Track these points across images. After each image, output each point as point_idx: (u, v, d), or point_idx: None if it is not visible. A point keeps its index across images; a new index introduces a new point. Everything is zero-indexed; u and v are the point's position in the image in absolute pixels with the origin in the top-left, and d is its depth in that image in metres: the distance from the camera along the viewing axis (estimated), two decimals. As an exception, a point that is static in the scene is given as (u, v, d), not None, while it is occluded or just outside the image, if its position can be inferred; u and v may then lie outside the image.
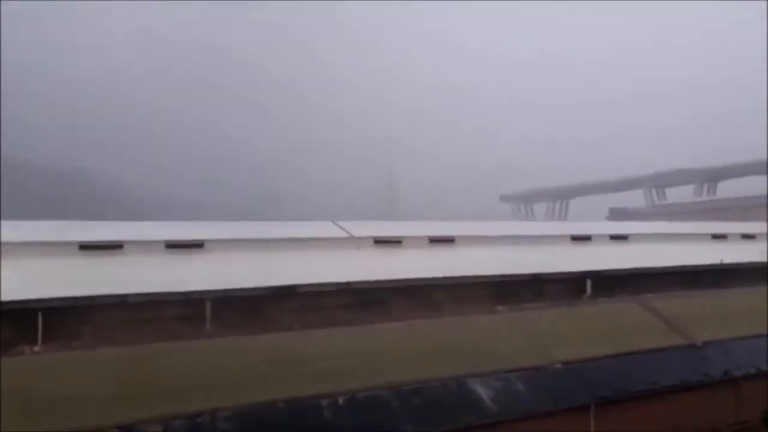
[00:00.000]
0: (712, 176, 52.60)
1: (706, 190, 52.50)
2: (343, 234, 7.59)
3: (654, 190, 56.39)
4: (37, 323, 4.82)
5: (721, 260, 8.33)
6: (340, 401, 4.10)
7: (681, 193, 52.59)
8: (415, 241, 7.71)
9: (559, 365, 4.99)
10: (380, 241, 7.48)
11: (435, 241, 7.85)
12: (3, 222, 6.74)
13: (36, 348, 4.65)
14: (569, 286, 7.10)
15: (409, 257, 7.30)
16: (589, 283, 7.14)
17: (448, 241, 7.93)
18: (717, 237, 10.27)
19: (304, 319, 5.42)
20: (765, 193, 33.56)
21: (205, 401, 3.89)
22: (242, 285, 5.60)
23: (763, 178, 40.60)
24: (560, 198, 65.98)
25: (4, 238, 5.88)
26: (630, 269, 7.56)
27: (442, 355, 4.85)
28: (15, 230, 6.42)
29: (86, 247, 6.15)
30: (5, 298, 4.73)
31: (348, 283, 5.97)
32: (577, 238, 8.94)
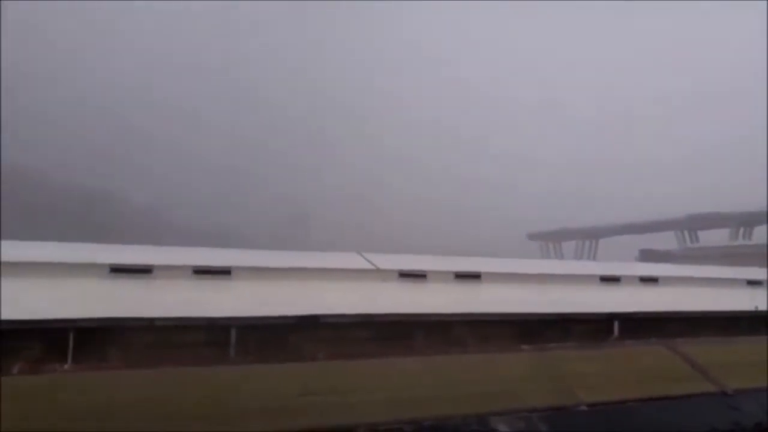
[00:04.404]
0: (749, 220, 51.32)
1: (741, 234, 51.20)
2: (369, 266, 7.62)
3: (687, 233, 55.27)
4: (68, 342, 4.93)
5: (756, 307, 8.11)
6: (361, 434, 4.07)
7: (715, 237, 51.45)
8: (441, 275, 7.68)
9: (584, 407, 4.88)
10: (405, 275, 7.48)
11: (461, 276, 7.81)
12: (38, 243, 6.96)
13: (66, 366, 4.74)
14: (596, 327, 6.98)
15: (434, 292, 7.27)
16: (616, 325, 7.02)
17: (474, 277, 7.88)
18: (752, 283, 10.01)
19: (327, 349, 5.43)
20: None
21: (226, 426, 3.91)
22: (267, 313, 5.65)
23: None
24: (590, 237, 65.09)
25: (39, 259, 6.07)
26: (659, 312, 7.42)
27: (464, 392, 4.79)
28: (50, 251, 6.61)
29: (117, 270, 6.30)
30: (40, 316, 4.86)
31: (372, 316, 5.97)
32: (605, 279, 8.81)
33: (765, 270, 12.05)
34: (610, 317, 7.09)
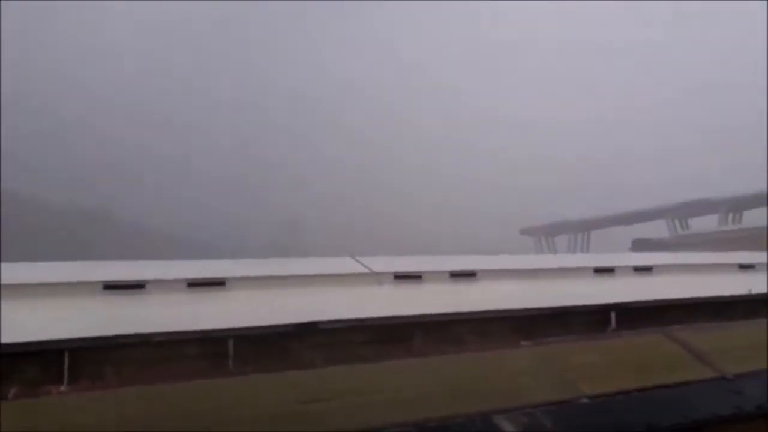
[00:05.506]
0: (738, 205, 51.73)
1: (731, 219, 51.60)
2: (363, 269, 7.59)
3: (677, 221, 55.60)
4: (63, 363, 4.86)
5: (750, 290, 8.14)
6: (364, 439, 4.05)
7: (705, 223, 51.76)
8: (436, 275, 7.68)
9: (586, 400, 4.88)
10: (400, 277, 7.46)
11: (456, 275, 7.81)
12: (28, 263, 6.89)
13: (62, 388, 4.68)
14: (593, 319, 6.98)
15: (430, 292, 7.26)
16: (613, 316, 7.02)
17: (469, 275, 7.88)
18: (744, 267, 10.05)
19: (326, 356, 5.41)
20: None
21: (228, 440, 3.88)
22: (264, 322, 5.61)
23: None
24: (582, 230, 65.31)
25: (30, 279, 6.00)
26: (655, 301, 7.43)
27: (466, 391, 4.78)
28: (40, 271, 6.55)
29: (110, 286, 6.24)
30: (33, 338, 4.80)
31: (369, 319, 5.95)
32: (600, 270, 8.83)
33: (756, 254, 12.12)
34: (607, 308, 7.10)
